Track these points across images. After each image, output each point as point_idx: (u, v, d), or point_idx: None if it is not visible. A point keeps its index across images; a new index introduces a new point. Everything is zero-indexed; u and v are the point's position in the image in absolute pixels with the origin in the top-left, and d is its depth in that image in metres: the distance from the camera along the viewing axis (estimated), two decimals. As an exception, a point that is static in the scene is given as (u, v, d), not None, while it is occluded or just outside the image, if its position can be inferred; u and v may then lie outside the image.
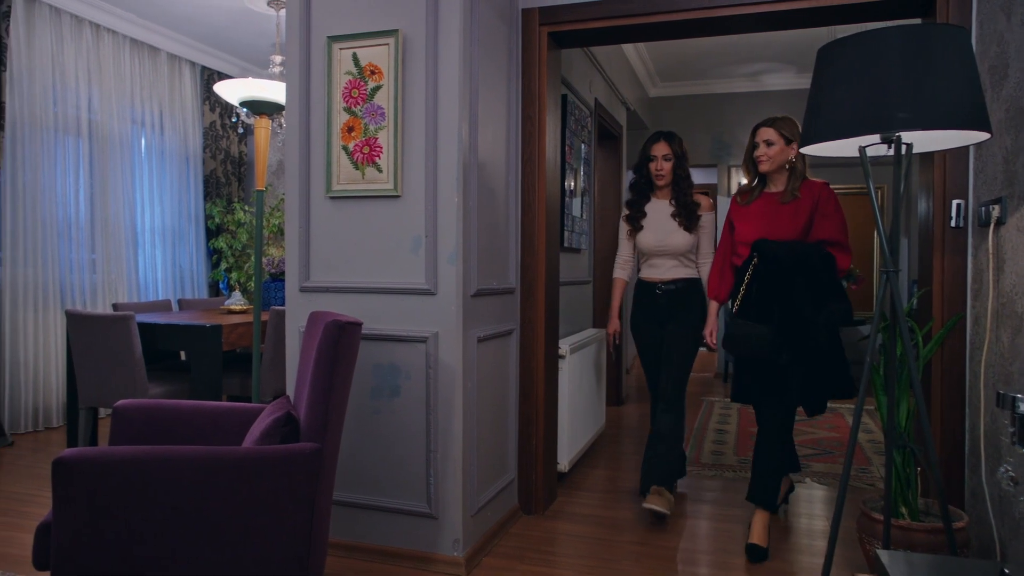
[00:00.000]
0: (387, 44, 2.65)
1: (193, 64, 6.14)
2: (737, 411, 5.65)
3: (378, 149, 2.67)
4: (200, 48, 6.06)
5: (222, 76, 6.39)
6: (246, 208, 6.18)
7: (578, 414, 3.85)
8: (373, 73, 2.67)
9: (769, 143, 2.91)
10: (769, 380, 2.83)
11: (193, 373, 3.75)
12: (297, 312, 2.83)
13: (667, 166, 3.34)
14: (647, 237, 3.38)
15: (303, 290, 2.82)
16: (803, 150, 2.12)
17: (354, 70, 2.70)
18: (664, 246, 3.34)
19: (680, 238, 3.32)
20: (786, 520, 3.25)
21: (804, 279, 2.70)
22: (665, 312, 3.35)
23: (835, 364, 2.80)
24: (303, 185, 2.81)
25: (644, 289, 3.43)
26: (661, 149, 3.34)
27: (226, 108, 6.43)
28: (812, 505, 3.48)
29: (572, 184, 4.31)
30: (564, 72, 3.98)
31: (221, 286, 6.30)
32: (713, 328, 3.23)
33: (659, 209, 3.40)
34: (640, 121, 6.87)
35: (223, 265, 6.08)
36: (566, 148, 4.06)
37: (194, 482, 2.01)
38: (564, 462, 3.61)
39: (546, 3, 3.16)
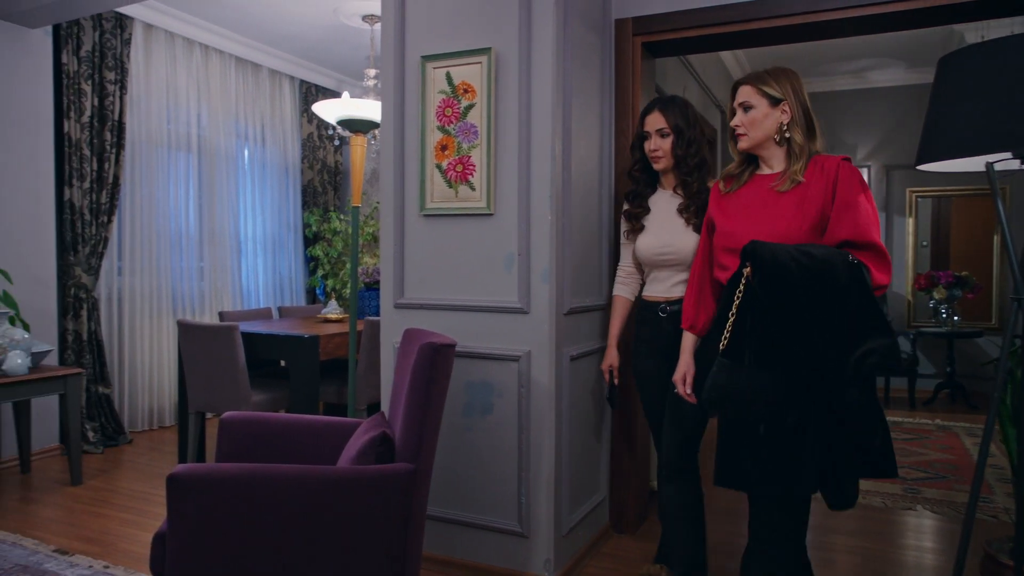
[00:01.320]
0: (480, 62, 2.66)
1: (292, 78, 6.37)
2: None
3: (471, 167, 2.68)
4: (299, 63, 6.28)
5: (319, 89, 6.61)
6: (341, 217, 6.37)
7: (671, 430, 3.76)
8: (466, 92, 2.68)
9: (747, 107, 2.10)
10: (775, 454, 1.90)
11: (292, 382, 3.89)
12: (392, 328, 2.88)
13: (665, 144, 2.49)
14: (645, 241, 2.55)
15: (397, 306, 2.87)
16: (922, 167, 1.98)
17: (447, 89, 2.72)
18: (667, 252, 2.48)
19: (689, 241, 2.44)
20: (894, 552, 3.06)
21: (824, 302, 1.82)
22: (673, 342, 2.39)
23: (870, 430, 1.89)
24: (398, 202, 2.85)
25: (645, 311, 2.57)
26: (655, 122, 2.49)
27: (323, 120, 6.64)
28: (922, 537, 3.27)
29: (665, 193, 4.22)
30: (658, 80, 3.89)
31: (318, 292, 6.53)
32: (688, 371, 2.27)
33: (664, 202, 2.56)
34: (735, 123, 6.65)
35: (320, 272, 6.28)
36: (659, 158, 3.97)
37: (295, 499, 2.07)
38: (655, 480, 3.53)
39: (640, 13, 3.09)
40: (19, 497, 3.72)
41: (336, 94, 6.82)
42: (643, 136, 2.56)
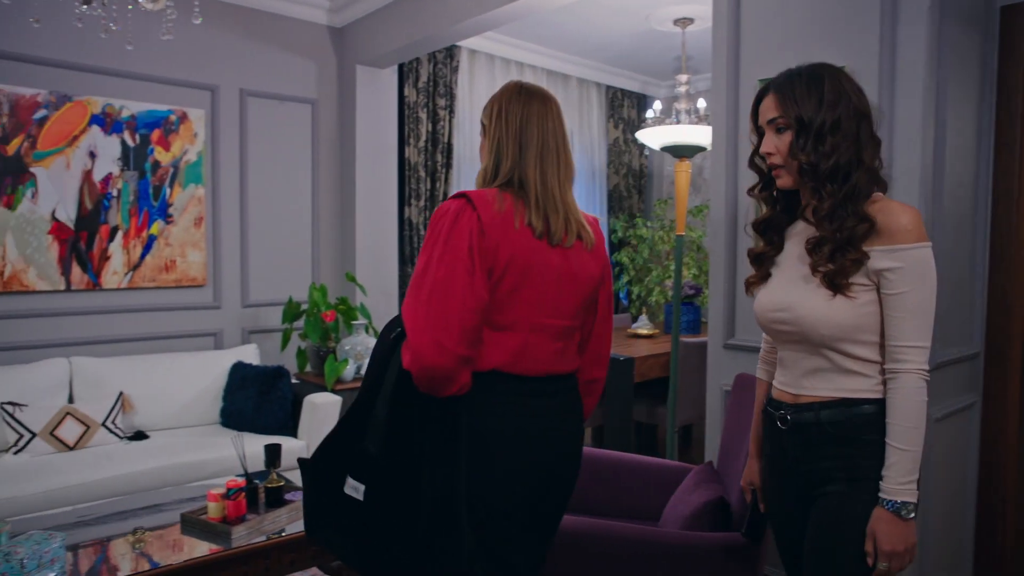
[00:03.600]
0: (830, 83, 2.36)
1: (599, 85, 6.44)
2: None
3: (817, 202, 2.41)
4: (605, 69, 6.32)
5: (625, 93, 6.61)
6: (648, 224, 6.31)
7: (1055, 497, 3.09)
8: (813, 117, 2.41)
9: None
10: None
11: (607, 402, 3.93)
12: (719, 368, 2.73)
13: (782, 144, 1.52)
14: (760, 297, 1.64)
15: (727, 347, 2.70)
16: None
17: (790, 115, 2.47)
18: (781, 318, 1.55)
19: (815, 302, 1.48)
20: None
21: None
22: (799, 473, 1.56)
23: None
24: (729, 235, 2.68)
25: (765, 413, 1.68)
26: (768, 110, 1.55)
27: (628, 124, 6.63)
28: None
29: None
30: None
31: (621, 296, 6.56)
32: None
33: (797, 237, 1.60)
34: None
35: (624, 278, 6.31)
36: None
37: (629, 559, 2.05)
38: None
39: (1036, -4, 2.52)
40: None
41: (641, 96, 6.76)
42: (761, 133, 1.62)
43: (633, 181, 6.73)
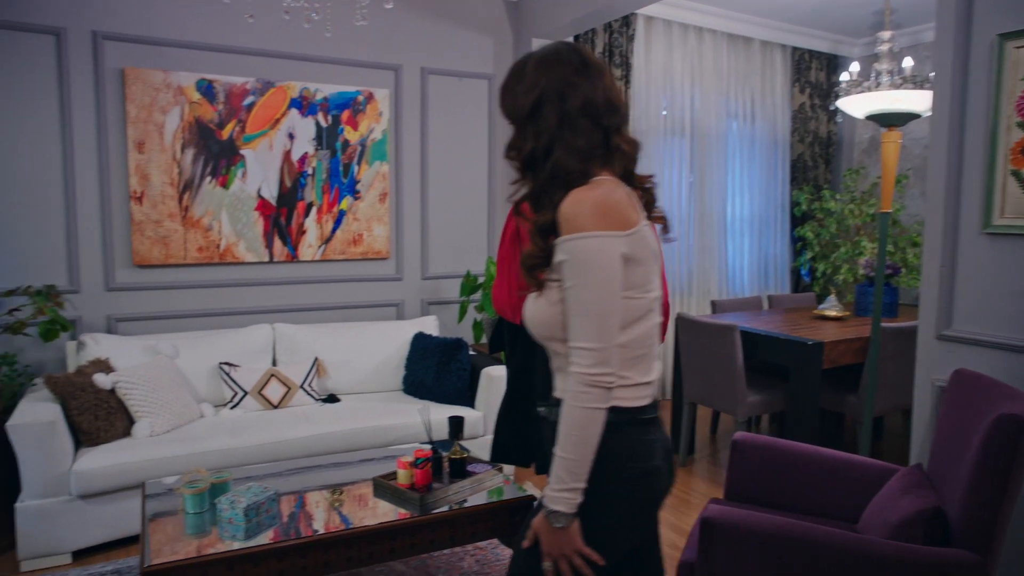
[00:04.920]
0: (1092, 35, 2.02)
1: (783, 47, 6.00)
2: None
3: (1068, 175, 2.08)
4: (790, 29, 5.86)
5: (813, 54, 6.11)
6: (836, 196, 5.83)
7: None
8: (1067, 76, 2.07)
9: None
10: None
11: (791, 388, 3.70)
12: (931, 361, 2.46)
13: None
14: None
15: (941, 338, 2.43)
16: None
17: (1035, 74, 2.14)
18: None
19: (528, 299, 1.47)
20: None
21: None
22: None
23: None
24: (949, 214, 2.39)
25: None
26: None
27: (816, 88, 6.13)
28: None
29: None
30: None
31: (803, 273, 6.15)
32: None
33: None
34: None
35: (807, 254, 5.90)
36: None
37: (828, 566, 1.91)
38: None
39: None
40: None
41: (831, 57, 6.22)
42: None
43: (820, 150, 6.23)
